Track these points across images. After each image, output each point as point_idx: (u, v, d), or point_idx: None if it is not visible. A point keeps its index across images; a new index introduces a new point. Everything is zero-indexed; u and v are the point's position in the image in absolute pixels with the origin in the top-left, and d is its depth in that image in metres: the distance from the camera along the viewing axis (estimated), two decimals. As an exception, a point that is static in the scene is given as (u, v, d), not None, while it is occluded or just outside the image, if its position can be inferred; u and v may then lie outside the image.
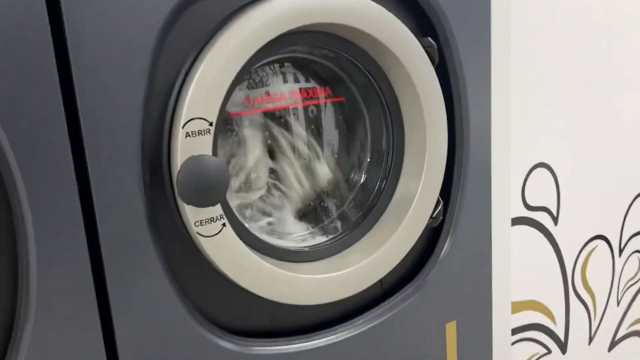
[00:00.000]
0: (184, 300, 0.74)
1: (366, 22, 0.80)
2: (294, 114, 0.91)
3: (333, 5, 0.77)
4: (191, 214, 0.71)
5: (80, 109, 0.64)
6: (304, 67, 0.91)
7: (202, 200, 0.68)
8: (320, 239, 0.90)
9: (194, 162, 0.68)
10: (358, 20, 0.80)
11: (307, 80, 0.92)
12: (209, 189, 0.68)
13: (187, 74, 0.71)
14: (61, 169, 0.64)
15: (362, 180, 0.95)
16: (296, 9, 0.74)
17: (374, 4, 0.81)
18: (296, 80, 0.91)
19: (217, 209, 0.72)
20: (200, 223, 0.71)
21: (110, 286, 0.68)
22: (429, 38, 0.88)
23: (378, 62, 0.88)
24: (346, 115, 0.95)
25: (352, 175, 0.96)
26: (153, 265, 0.71)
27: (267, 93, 0.87)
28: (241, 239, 0.78)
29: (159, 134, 0.71)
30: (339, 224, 0.92)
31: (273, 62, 0.88)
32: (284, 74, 0.90)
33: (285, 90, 0.89)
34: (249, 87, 0.86)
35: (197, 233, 0.71)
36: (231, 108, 0.83)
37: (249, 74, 0.85)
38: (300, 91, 0.91)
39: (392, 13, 0.84)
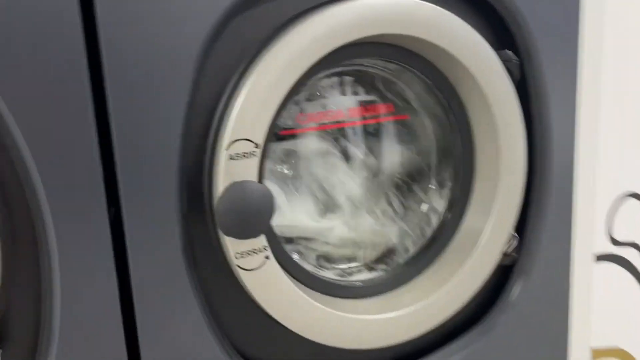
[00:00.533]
0: (220, 336, 0.67)
1: (436, 33, 0.71)
2: (351, 132, 0.83)
3: (399, 15, 0.68)
4: (231, 244, 0.63)
5: (114, 127, 0.58)
6: (365, 81, 0.82)
7: (243, 231, 0.61)
8: (374, 272, 0.81)
9: (236, 188, 0.60)
10: (426, 31, 0.70)
11: (368, 95, 0.84)
12: (252, 219, 0.61)
13: (233, 90, 0.64)
14: (91, 192, 0.58)
15: (425, 209, 0.85)
16: (356, 20, 0.66)
17: (446, 12, 0.71)
18: (355, 95, 0.83)
19: (261, 240, 0.65)
20: (241, 255, 0.64)
21: (140, 318, 0.62)
22: (509, 51, 0.78)
23: (448, 78, 0.78)
24: (410, 136, 0.86)
25: (413, 201, 0.86)
26: (187, 297, 0.64)
27: (323, 108, 0.79)
28: (286, 271, 0.70)
29: (201, 156, 0.64)
30: (395, 257, 0.83)
31: (332, 74, 0.80)
32: (343, 88, 0.82)
33: (343, 106, 0.81)
34: (309, 100, 0.78)
35: (237, 266, 0.64)
36: (282, 124, 0.76)
37: (304, 88, 0.77)
38: (360, 107, 0.82)
39: (468, 23, 0.74)
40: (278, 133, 0.76)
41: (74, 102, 0.56)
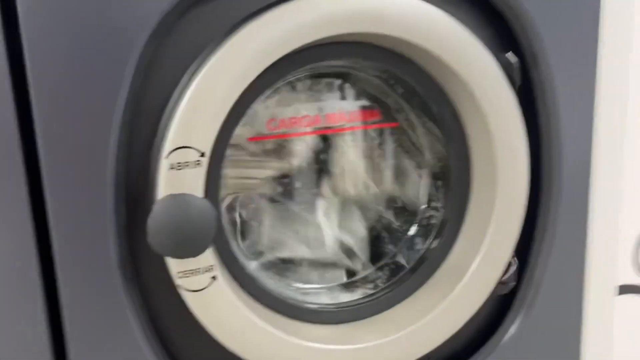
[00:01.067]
0: (164, 358, 0.62)
1: (414, 32, 0.63)
2: (333, 141, 0.75)
3: (366, 11, 0.60)
4: (173, 262, 0.58)
5: (38, 130, 0.53)
6: (357, 85, 0.75)
7: (178, 251, 0.55)
8: (350, 295, 0.73)
9: (169, 202, 0.55)
10: (402, 29, 0.62)
11: (358, 100, 0.76)
12: (188, 237, 0.55)
13: (181, 93, 0.58)
14: (13, 199, 0.54)
15: (413, 230, 0.77)
16: (315, 17, 0.59)
17: (428, 7, 0.63)
18: (344, 99, 0.75)
19: (207, 258, 0.59)
20: (184, 274, 0.58)
21: (71, 341, 0.58)
22: (510, 53, 0.69)
23: (440, 84, 0.69)
24: (399, 147, 0.78)
25: (401, 222, 0.78)
26: (124, 317, 0.59)
27: (301, 114, 0.72)
28: (244, 290, 0.64)
29: (146, 165, 0.59)
30: (376, 280, 0.75)
31: (318, 76, 0.74)
32: (330, 91, 0.75)
33: (320, 113, 0.73)
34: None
35: (180, 286, 0.59)
36: (249, 131, 0.69)
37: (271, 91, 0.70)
38: (342, 113, 0.74)
39: (461, 20, 0.65)
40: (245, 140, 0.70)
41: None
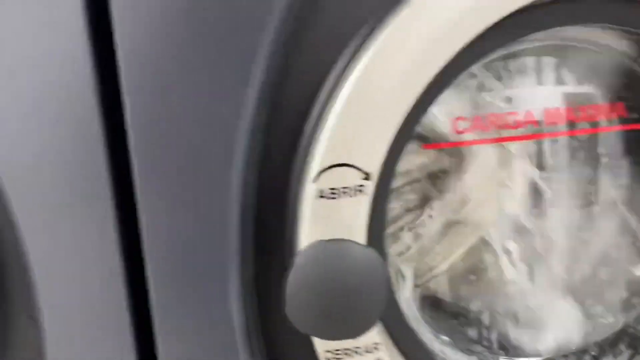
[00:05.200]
0: None
1: None
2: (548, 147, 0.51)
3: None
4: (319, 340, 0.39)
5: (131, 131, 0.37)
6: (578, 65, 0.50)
7: (330, 331, 0.36)
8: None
9: (320, 254, 0.35)
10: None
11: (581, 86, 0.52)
12: (348, 312, 0.35)
13: (332, 91, 0.38)
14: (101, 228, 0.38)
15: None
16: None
17: None
18: (561, 85, 0.51)
19: (371, 336, 0.39)
20: (335, 355, 0.39)
21: None
22: None
23: None
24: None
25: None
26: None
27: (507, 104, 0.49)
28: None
29: (283, 188, 0.40)
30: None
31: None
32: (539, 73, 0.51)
33: (535, 104, 0.50)
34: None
35: (329, 369, 0.39)
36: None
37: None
38: (566, 106, 0.50)
39: None
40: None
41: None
